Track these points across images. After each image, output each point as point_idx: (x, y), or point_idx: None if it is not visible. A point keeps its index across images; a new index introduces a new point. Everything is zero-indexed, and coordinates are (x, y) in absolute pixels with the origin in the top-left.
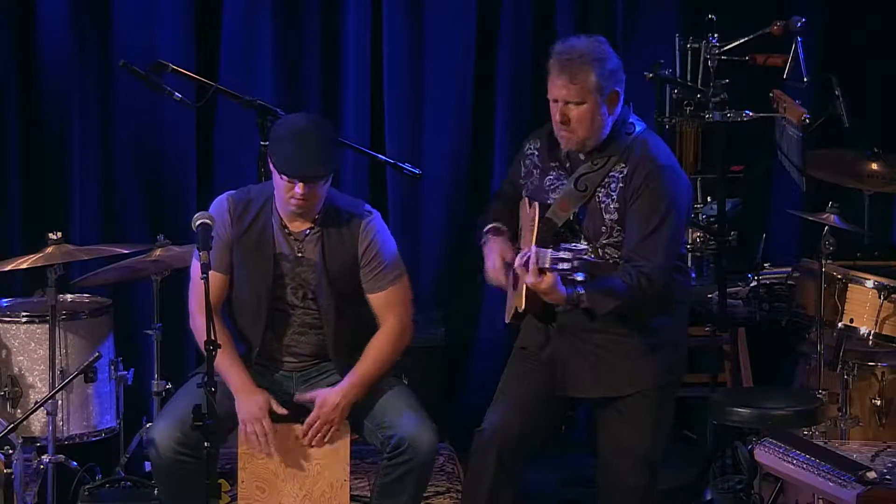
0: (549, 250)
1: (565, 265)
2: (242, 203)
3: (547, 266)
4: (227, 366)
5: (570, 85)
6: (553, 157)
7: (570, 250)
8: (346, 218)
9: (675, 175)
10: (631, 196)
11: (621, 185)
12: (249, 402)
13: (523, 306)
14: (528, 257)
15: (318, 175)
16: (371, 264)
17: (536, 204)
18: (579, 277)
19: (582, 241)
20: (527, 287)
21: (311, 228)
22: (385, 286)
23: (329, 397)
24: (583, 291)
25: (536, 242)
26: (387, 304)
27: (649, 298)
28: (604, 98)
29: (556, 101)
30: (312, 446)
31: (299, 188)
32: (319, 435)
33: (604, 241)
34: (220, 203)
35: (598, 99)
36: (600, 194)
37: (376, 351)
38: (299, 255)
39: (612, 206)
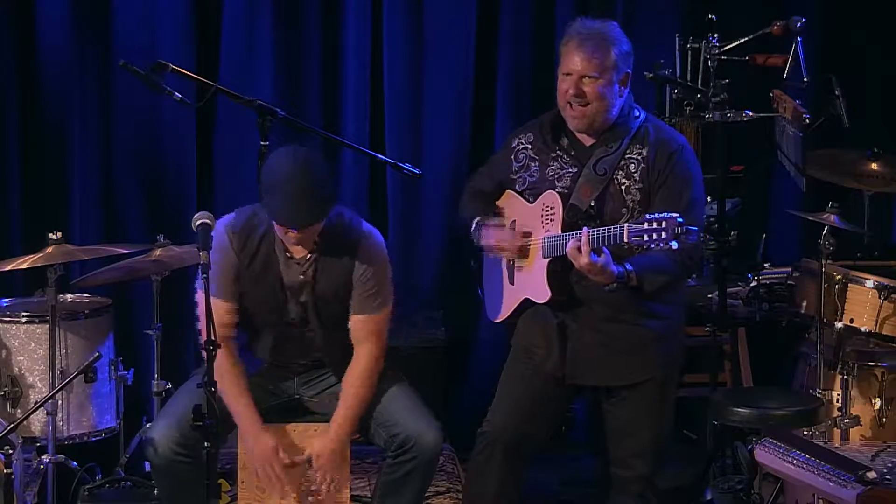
0: (629, 224)
1: (656, 235)
2: (244, 233)
3: (626, 241)
4: (236, 400)
5: (592, 58)
6: (552, 148)
7: (656, 220)
8: (345, 240)
9: (693, 154)
10: (657, 178)
11: (643, 165)
12: (260, 445)
13: (548, 297)
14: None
15: (311, 224)
16: (365, 286)
17: (555, 193)
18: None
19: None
20: (549, 277)
21: (311, 253)
22: (371, 310)
23: (324, 450)
24: (632, 269)
25: (563, 229)
26: (368, 328)
27: (690, 274)
28: (618, 77)
29: (569, 74)
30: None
31: (294, 230)
32: (327, 484)
33: (622, 224)
34: (220, 235)
35: (613, 77)
36: (619, 176)
37: (358, 384)
38: (301, 278)
39: (633, 187)
